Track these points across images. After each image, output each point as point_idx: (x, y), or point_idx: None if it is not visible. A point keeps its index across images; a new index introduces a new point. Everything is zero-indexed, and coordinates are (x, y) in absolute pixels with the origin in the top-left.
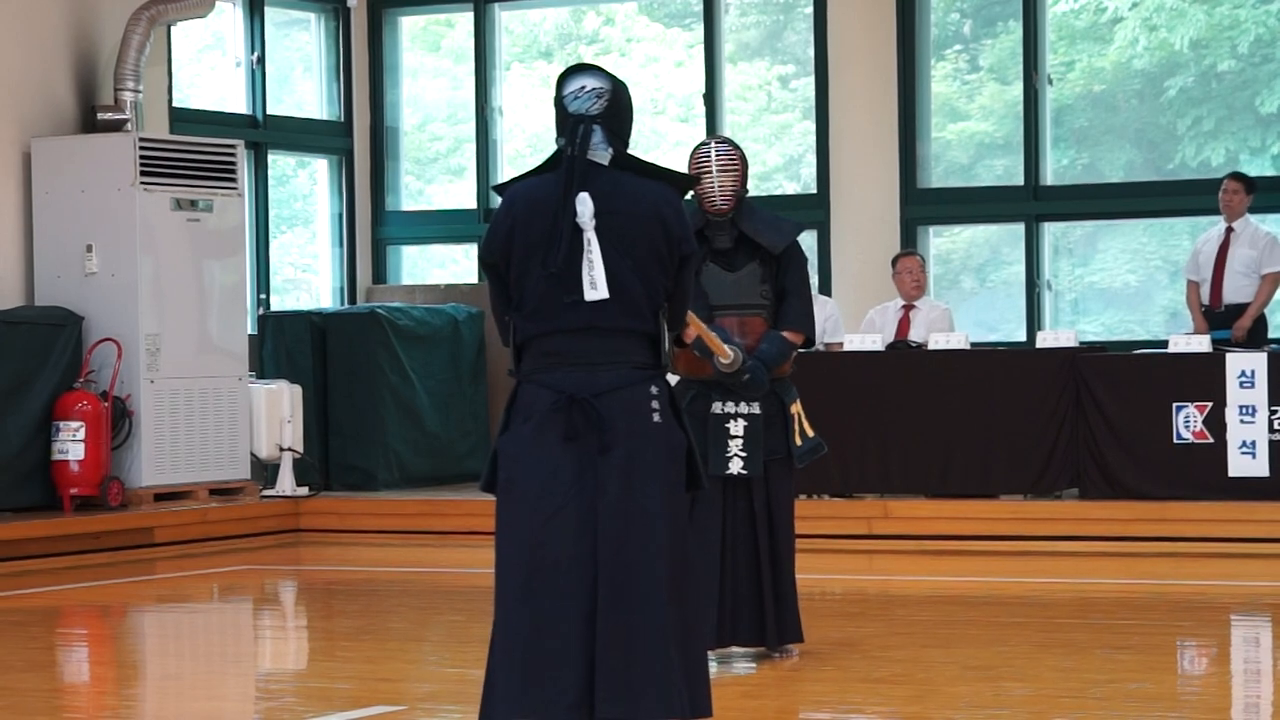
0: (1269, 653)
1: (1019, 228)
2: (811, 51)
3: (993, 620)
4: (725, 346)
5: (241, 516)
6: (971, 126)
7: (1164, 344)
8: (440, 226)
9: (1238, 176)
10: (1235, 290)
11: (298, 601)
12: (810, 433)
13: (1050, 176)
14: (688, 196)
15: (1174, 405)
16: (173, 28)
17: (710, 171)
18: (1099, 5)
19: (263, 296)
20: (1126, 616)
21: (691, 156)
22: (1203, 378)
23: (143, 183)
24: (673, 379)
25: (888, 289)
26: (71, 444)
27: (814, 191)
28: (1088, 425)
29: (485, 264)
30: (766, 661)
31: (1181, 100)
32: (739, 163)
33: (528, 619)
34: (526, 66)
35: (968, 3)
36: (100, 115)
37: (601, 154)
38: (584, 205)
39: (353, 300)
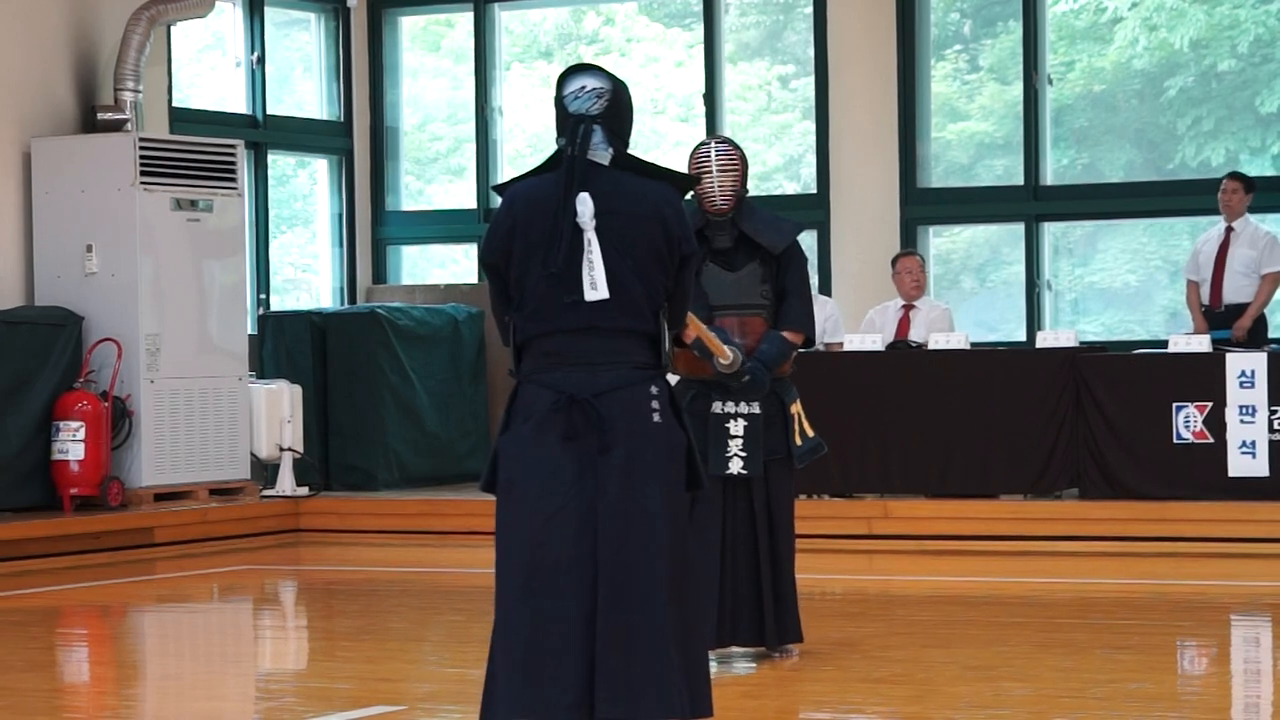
0: (1269, 653)
1: (1019, 228)
2: (811, 51)
3: (993, 620)
4: (725, 347)
5: (241, 516)
6: (971, 126)
7: (1164, 344)
8: (440, 226)
9: (1237, 176)
10: (1235, 290)
11: (298, 601)
12: (810, 433)
13: (1050, 176)
14: (688, 196)
15: (1174, 405)
16: (173, 28)
17: (710, 171)
18: (1099, 5)
19: (263, 296)
20: (1126, 616)
21: (691, 156)
22: (1203, 378)
23: (143, 183)
24: (673, 379)
25: (888, 289)
26: (71, 444)
27: (814, 191)
28: (1088, 425)
29: (485, 264)
30: (766, 661)
31: (1181, 100)
32: (739, 163)
33: (528, 619)
34: (526, 66)
35: (968, 3)
36: (100, 115)
37: (602, 154)
38: (584, 205)
39: (353, 300)
